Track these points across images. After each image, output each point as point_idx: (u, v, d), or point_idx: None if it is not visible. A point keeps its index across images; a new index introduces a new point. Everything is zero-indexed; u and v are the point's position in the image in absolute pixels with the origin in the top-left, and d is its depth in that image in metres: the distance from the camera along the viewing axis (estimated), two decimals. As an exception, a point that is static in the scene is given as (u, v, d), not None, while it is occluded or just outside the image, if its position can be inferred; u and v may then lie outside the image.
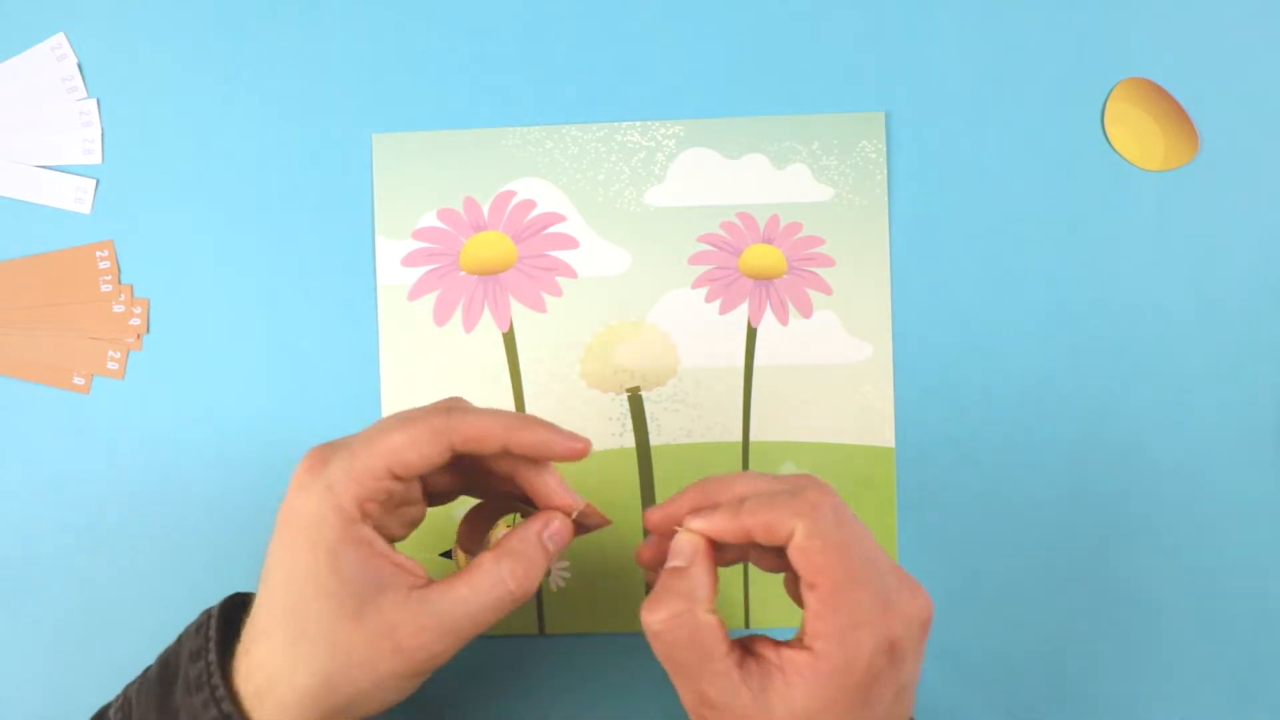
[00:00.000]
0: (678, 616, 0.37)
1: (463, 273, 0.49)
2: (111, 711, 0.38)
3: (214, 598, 0.39)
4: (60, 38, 0.50)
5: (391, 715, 0.47)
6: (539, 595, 0.49)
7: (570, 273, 0.49)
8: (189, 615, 0.39)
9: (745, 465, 0.49)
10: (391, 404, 0.49)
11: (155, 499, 0.49)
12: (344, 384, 0.49)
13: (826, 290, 0.49)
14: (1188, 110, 0.49)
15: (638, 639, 0.48)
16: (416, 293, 0.49)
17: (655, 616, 0.37)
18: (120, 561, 0.49)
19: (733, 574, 0.49)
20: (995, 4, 0.49)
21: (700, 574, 0.38)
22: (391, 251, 0.49)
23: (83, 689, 0.48)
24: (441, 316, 0.49)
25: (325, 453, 0.37)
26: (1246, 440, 0.49)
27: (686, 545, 0.38)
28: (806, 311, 0.49)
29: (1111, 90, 0.49)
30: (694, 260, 0.49)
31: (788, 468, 0.48)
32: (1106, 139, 0.49)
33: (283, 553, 0.36)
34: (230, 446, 0.49)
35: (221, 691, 0.36)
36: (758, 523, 0.37)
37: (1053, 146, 0.49)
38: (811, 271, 0.49)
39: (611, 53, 0.49)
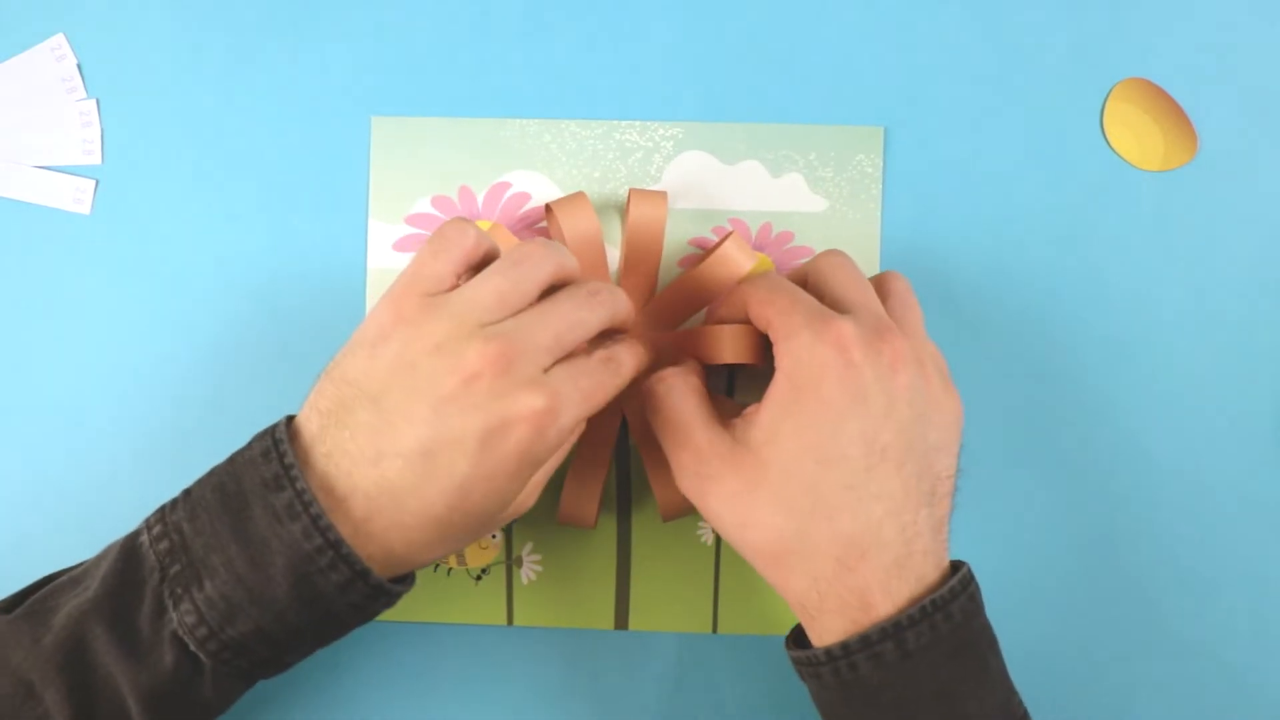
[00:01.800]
0: (675, 375, 0.42)
1: None
2: (146, 539, 0.37)
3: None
4: (60, 38, 0.50)
5: (360, 704, 0.47)
6: (508, 586, 0.49)
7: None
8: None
9: None
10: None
11: (152, 499, 0.49)
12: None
13: None
14: (1187, 110, 0.49)
15: (606, 635, 0.49)
16: None
17: (658, 382, 0.42)
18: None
19: (702, 578, 0.49)
20: (994, 4, 0.49)
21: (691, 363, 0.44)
22: (384, 235, 0.49)
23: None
24: None
25: (559, 403, 0.37)
26: (1246, 440, 0.49)
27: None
28: None
29: (1111, 90, 0.49)
30: (684, 263, 0.49)
31: None
32: (1106, 139, 0.49)
33: (481, 472, 0.36)
34: (228, 437, 0.49)
35: (325, 520, 0.35)
36: (741, 295, 0.42)
37: (1052, 147, 0.49)
38: None
39: (614, 51, 0.49)
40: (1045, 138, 0.49)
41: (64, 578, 0.39)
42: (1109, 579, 0.49)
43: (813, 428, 0.38)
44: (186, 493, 0.38)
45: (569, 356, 0.39)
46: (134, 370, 0.49)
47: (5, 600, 0.39)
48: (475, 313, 0.37)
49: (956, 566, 0.40)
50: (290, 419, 0.38)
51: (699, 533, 0.49)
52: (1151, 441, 0.49)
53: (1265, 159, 0.49)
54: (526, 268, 0.39)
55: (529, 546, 0.49)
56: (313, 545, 0.35)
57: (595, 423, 0.47)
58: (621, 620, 0.49)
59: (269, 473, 0.36)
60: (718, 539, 0.49)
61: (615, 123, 0.49)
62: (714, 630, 0.49)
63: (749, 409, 0.40)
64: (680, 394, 0.41)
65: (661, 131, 0.49)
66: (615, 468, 0.49)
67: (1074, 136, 0.49)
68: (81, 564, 0.40)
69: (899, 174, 0.49)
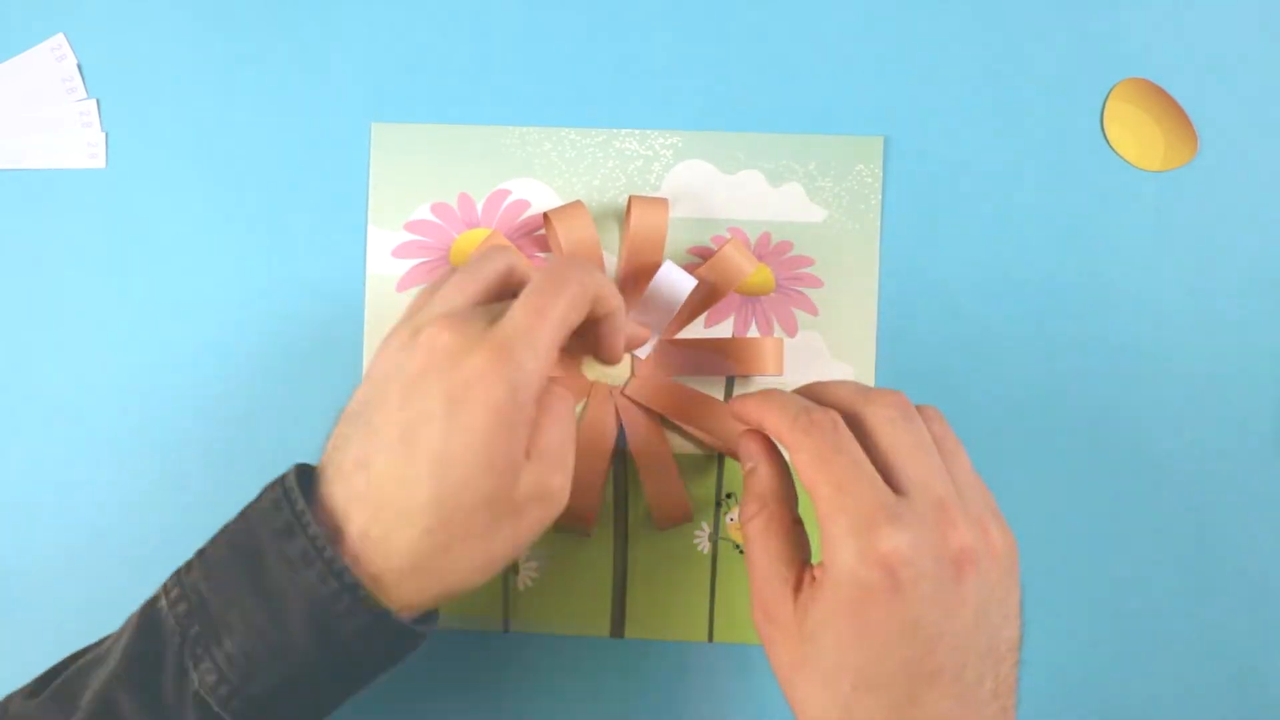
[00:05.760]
0: (752, 518, 0.39)
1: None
2: (165, 604, 0.36)
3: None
4: (60, 38, 0.50)
5: (354, 707, 0.47)
6: (505, 592, 0.49)
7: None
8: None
9: (721, 475, 0.49)
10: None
11: (155, 504, 0.49)
12: (328, 370, 0.49)
13: (813, 311, 0.49)
14: (1187, 110, 0.49)
15: (602, 643, 0.49)
16: (405, 285, 0.49)
17: (748, 520, 0.39)
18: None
19: (699, 587, 0.49)
20: (993, 12, 0.49)
21: (766, 473, 0.40)
22: (383, 241, 0.49)
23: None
24: None
25: (507, 340, 0.36)
26: (1246, 440, 0.49)
27: (748, 446, 0.41)
28: (791, 331, 0.49)
29: (1111, 90, 0.49)
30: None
31: None
32: (1106, 139, 0.49)
33: (455, 438, 0.35)
34: (227, 438, 0.50)
35: (340, 564, 0.34)
36: (770, 421, 0.38)
37: (1052, 148, 0.49)
38: (799, 291, 0.49)
39: (614, 59, 0.49)
40: (1045, 139, 0.49)
41: (88, 656, 0.38)
42: (1109, 579, 0.49)
43: (853, 650, 0.34)
44: (201, 553, 0.37)
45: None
46: (133, 374, 0.49)
47: (32, 684, 0.39)
48: (434, 309, 0.38)
49: None
50: (299, 467, 0.38)
51: (695, 541, 0.49)
52: (1153, 441, 0.49)
53: (1265, 159, 0.49)
54: (480, 263, 0.40)
55: (526, 552, 0.49)
56: (329, 590, 0.34)
57: (592, 430, 0.47)
58: (617, 628, 0.49)
59: (280, 522, 0.35)
60: (714, 547, 0.49)
61: (615, 131, 0.49)
62: (709, 639, 0.49)
63: (818, 570, 0.36)
64: (762, 542, 0.38)
65: (661, 140, 0.49)
66: (613, 475, 0.49)
67: (1074, 137, 0.49)
68: (105, 639, 0.39)
69: (898, 183, 0.49)
